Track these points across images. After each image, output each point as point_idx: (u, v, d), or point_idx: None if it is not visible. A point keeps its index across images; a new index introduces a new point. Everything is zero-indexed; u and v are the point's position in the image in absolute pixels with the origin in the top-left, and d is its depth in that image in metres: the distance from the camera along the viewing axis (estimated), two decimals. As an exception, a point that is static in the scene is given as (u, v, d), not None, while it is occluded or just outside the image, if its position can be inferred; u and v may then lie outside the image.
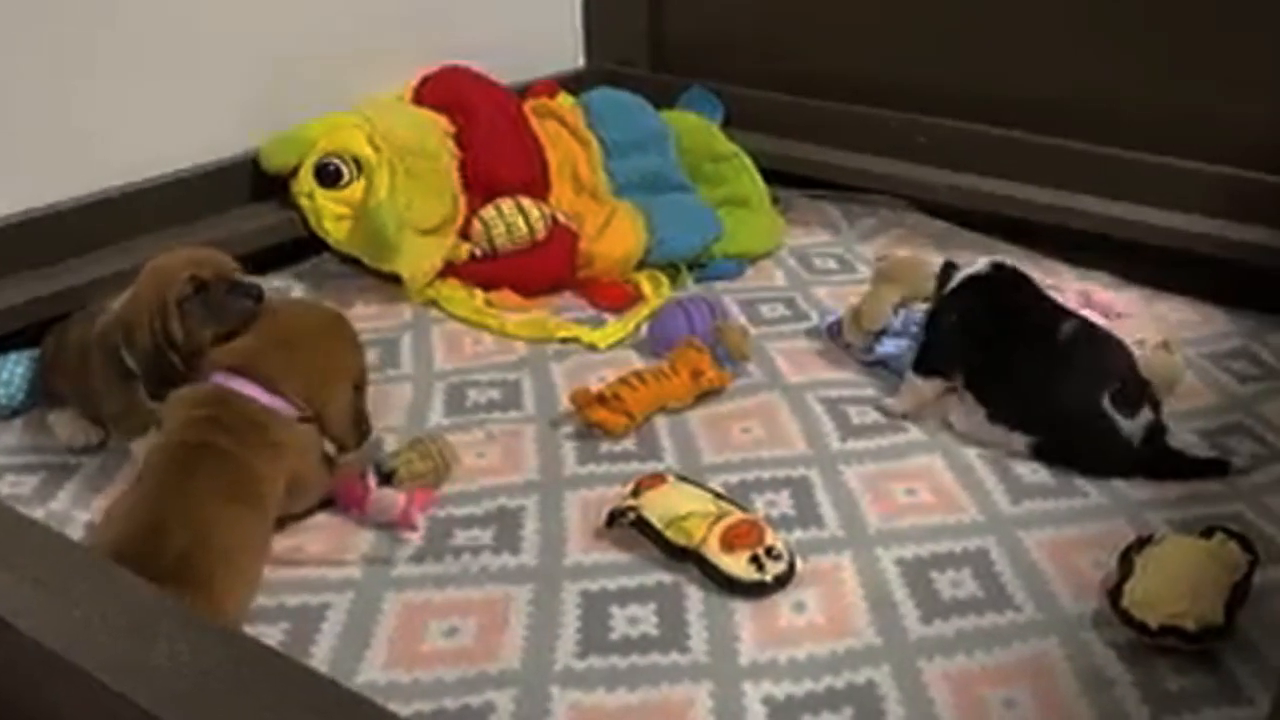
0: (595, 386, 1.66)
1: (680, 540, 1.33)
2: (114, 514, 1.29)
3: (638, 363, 1.82)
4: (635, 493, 1.41)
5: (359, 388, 1.46)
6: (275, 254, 2.06)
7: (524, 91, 2.43)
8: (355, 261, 2.07)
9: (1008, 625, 1.26)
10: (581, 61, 2.76)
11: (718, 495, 1.43)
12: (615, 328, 1.94)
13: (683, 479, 1.46)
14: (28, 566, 0.99)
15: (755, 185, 2.33)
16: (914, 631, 1.25)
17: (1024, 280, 1.67)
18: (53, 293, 1.72)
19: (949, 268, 1.71)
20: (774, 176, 2.39)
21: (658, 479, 1.44)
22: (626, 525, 1.38)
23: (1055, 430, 1.54)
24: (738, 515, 1.37)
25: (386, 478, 1.47)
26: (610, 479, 1.52)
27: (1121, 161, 2.14)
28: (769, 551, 1.31)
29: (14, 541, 1.04)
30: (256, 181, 2.08)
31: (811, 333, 1.93)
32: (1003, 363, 1.59)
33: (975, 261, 1.70)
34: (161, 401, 1.39)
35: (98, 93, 1.85)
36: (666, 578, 1.33)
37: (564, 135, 2.32)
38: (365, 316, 1.98)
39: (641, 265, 2.12)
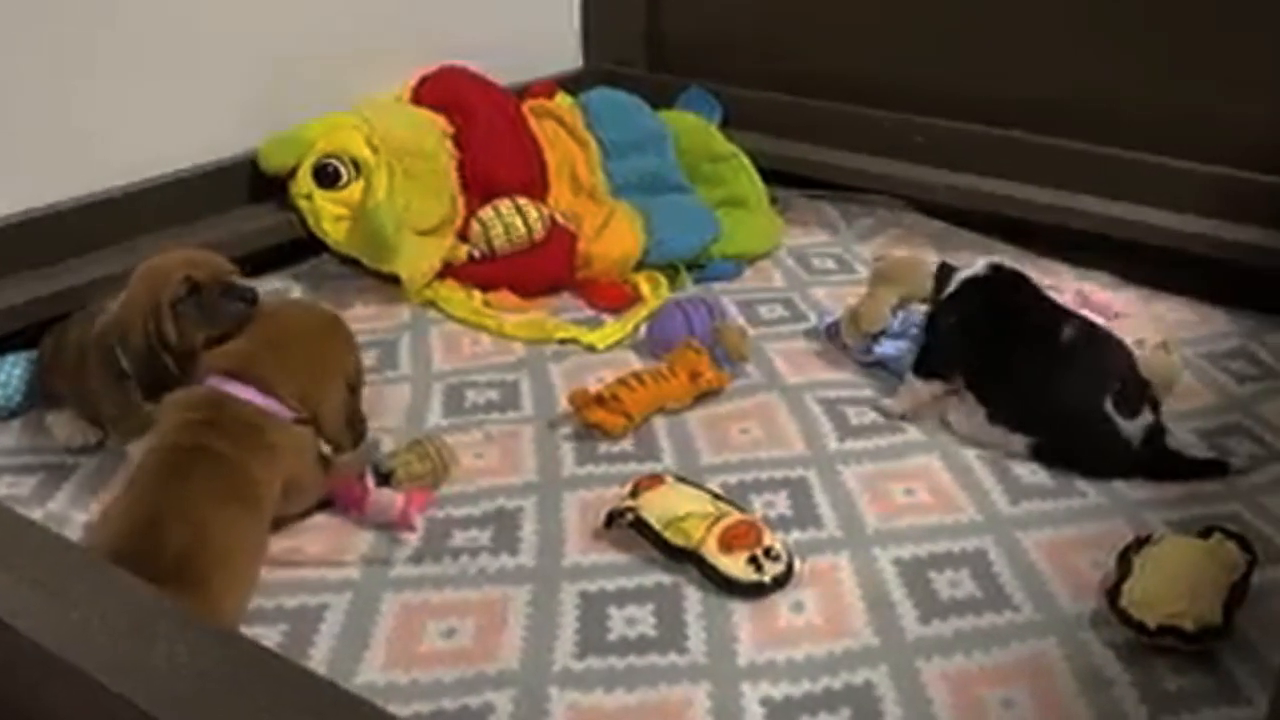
0: (594, 387, 1.66)
1: (679, 541, 1.33)
2: (110, 514, 1.29)
3: (636, 363, 1.82)
4: (634, 493, 1.41)
5: (354, 388, 1.46)
6: (274, 255, 2.06)
7: (522, 92, 2.43)
8: (354, 262, 2.07)
9: (1006, 625, 1.26)
10: (580, 62, 2.76)
11: (716, 496, 1.43)
12: (614, 328, 1.94)
13: (681, 480, 1.46)
14: (26, 567, 0.99)
15: (754, 186, 2.33)
16: (912, 632, 1.25)
17: (1023, 281, 1.67)
18: (53, 293, 1.72)
19: (945, 269, 1.71)
20: (772, 177, 2.39)
21: (656, 480, 1.44)
22: (625, 526, 1.38)
23: (1056, 431, 1.54)
24: (736, 516, 1.37)
25: (385, 479, 1.47)
26: (609, 480, 1.52)
27: (1120, 161, 2.14)
28: (767, 552, 1.32)
29: (12, 542, 1.04)
30: (256, 182, 2.08)
31: (810, 333, 1.94)
32: (1003, 364, 1.59)
33: (973, 262, 1.70)
34: (156, 403, 1.39)
35: (98, 93, 1.85)
36: (665, 578, 1.33)
37: (562, 136, 2.32)
38: (364, 317, 1.99)
39: (640, 266, 2.12)
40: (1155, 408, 1.57)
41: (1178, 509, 1.46)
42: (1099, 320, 1.70)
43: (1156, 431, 1.55)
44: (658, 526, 1.35)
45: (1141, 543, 1.32)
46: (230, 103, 2.04)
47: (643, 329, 1.92)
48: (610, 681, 1.18)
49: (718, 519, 1.34)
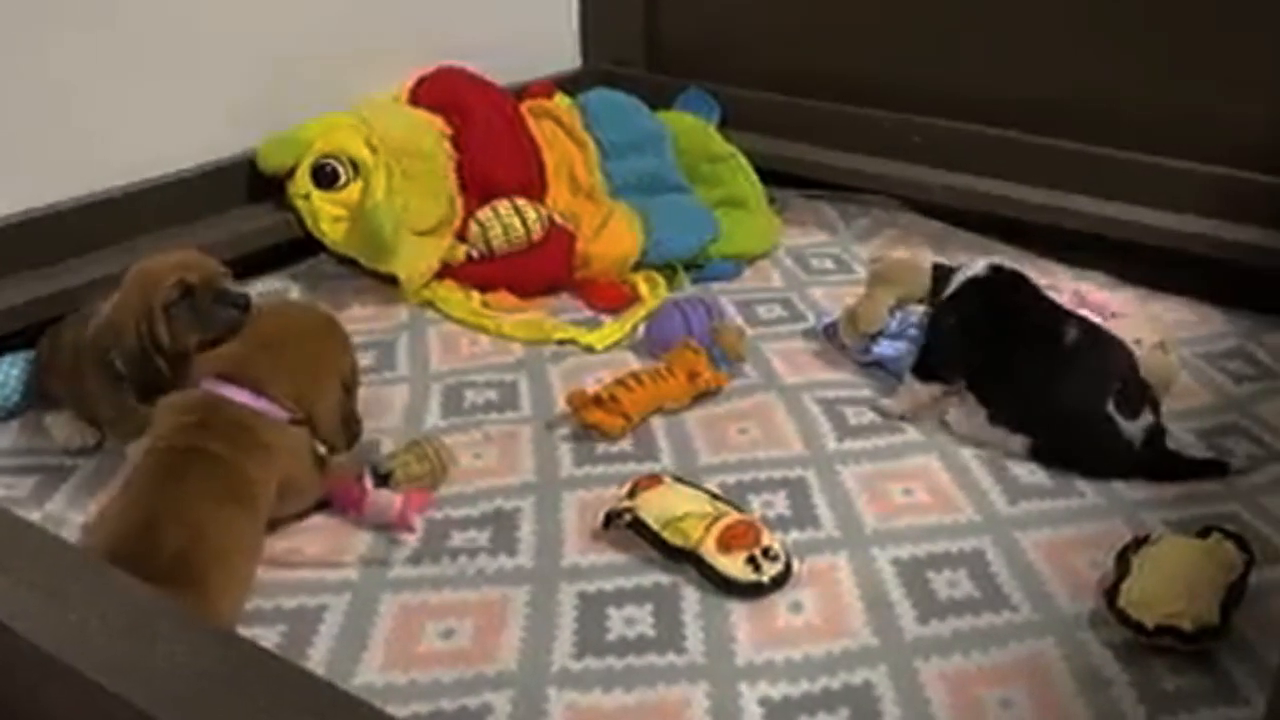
0: (592, 388, 1.66)
1: (677, 541, 1.33)
2: (106, 516, 1.29)
3: (634, 364, 1.82)
4: (632, 494, 1.41)
5: (349, 389, 1.46)
6: (272, 255, 2.06)
7: (520, 92, 2.43)
8: (352, 263, 2.07)
9: (1004, 625, 1.26)
10: (578, 62, 2.76)
11: (714, 496, 1.43)
12: (612, 329, 1.94)
13: (679, 480, 1.46)
14: (24, 569, 0.99)
15: (752, 186, 2.33)
16: (910, 632, 1.25)
17: (1023, 281, 1.67)
18: (52, 293, 1.72)
19: (941, 270, 1.71)
20: (770, 177, 2.39)
21: (654, 480, 1.44)
22: (623, 526, 1.38)
23: (1057, 432, 1.54)
24: (734, 516, 1.37)
25: (383, 479, 1.47)
26: (607, 480, 1.52)
27: (1116, 161, 2.14)
28: (766, 552, 1.32)
29: (10, 544, 1.04)
30: (254, 182, 2.08)
31: (808, 333, 1.94)
32: (1004, 364, 1.59)
33: (970, 263, 1.70)
34: (151, 405, 1.39)
35: (98, 93, 1.85)
36: (663, 579, 1.33)
37: (561, 136, 2.32)
38: (362, 318, 1.99)
39: (638, 266, 2.12)
40: (1155, 408, 1.57)
41: (1176, 509, 1.47)
42: (1097, 320, 1.70)
43: (1157, 432, 1.55)
44: (656, 527, 1.35)
45: (1140, 543, 1.32)
46: (229, 103, 2.04)
47: (641, 329, 1.92)
48: (609, 682, 1.18)
49: (716, 519, 1.35)
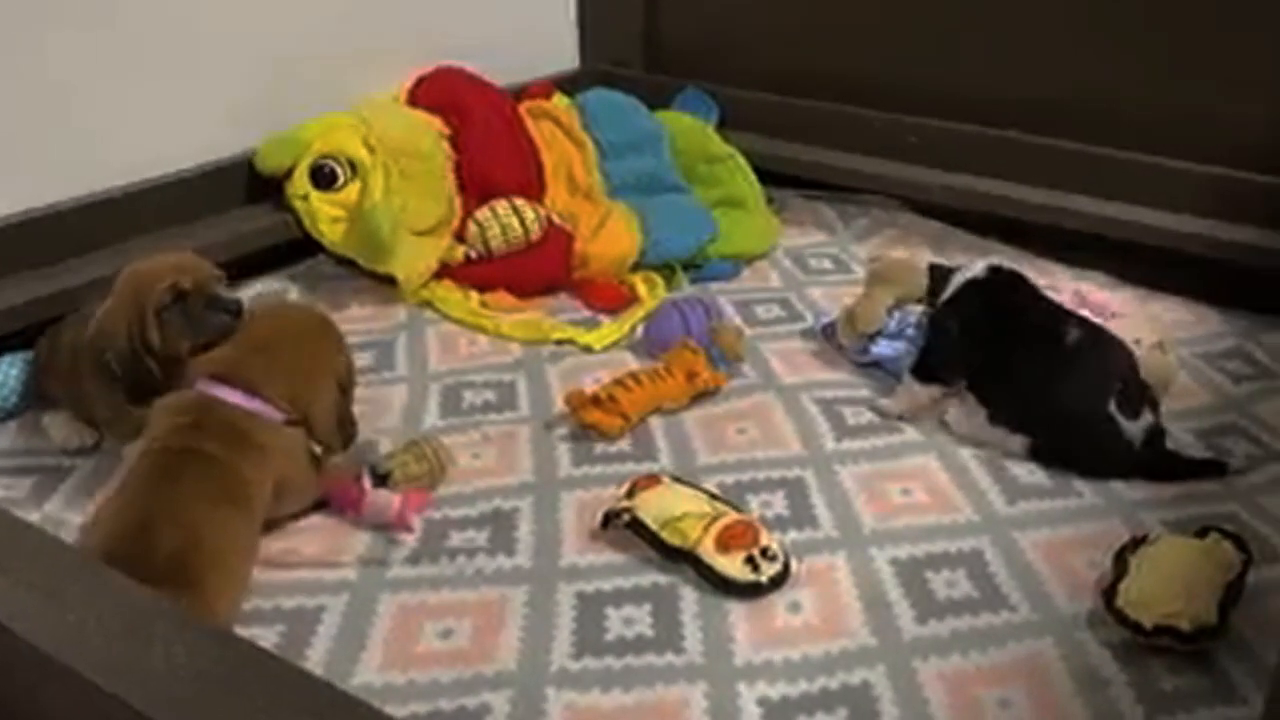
0: (590, 388, 1.66)
1: (675, 541, 1.33)
2: (101, 517, 1.28)
3: (633, 364, 1.82)
4: (630, 494, 1.41)
5: (344, 389, 1.46)
6: (270, 255, 2.06)
7: (519, 92, 2.43)
8: (350, 263, 2.07)
9: (1002, 625, 1.26)
10: (577, 62, 2.76)
11: (713, 496, 1.43)
12: (610, 329, 1.94)
13: (678, 480, 1.46)
14: (22, 570, 0.99)
15: (750, 186, 2.33)
16: (909, 632, 1.25)
17: (1022, 281, 1.67)
18: (52, 293, 1.73)
19: (938, 270, 1.71)
20: (768, 177, 2.39)
21: (653, 480, 1.44)
22: (622, 526, 1.38)
23: (1057, 432, 1.54)
24: (733, 516, 1.37)
25: (382, 479, 1.47)
26: (605, 480, 1.52)
27: (1115, 161, 2.14)
28: (764, 552, 1.32)
29: (9, 545, 1.04)
30: (253, 183, 2.08)
31: (806, 333, 1.94)
32: (1005, 365, 1.58)
33: (968, 264, 1.70)
34: (141, 407, 1.39)
35: (98, 93, 1.85)
36: (662, 579, 1.33)
37: (559, 136, 2.32)
38: (360, 318, 1.99)
39: (637, 266, 2.12)
40: (1155, 408, 1.57)
41: (1174, 509, 1.47)
42: (1097, 320, 1.70)
43: (1157, 432, 1.55)
44: (654, 527, 1.35)
45: (1138, 543, 1.32)
46: (229, 103, 2.04)
47: (639, 329, 1.92)
48: (607, 682, 1.18)
49: (714, 519, 1.35)
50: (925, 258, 1.88)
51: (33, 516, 1.42)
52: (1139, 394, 1.55)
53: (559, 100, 2.44)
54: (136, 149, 1.92)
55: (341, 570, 1.36)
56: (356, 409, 1.50)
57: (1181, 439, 1.61)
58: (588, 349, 1.89)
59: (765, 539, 1.34)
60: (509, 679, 1.19)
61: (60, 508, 1.47)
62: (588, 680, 1.18)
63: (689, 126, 2.40)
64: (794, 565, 1.34)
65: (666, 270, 2.14)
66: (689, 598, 1.30)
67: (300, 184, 2.04)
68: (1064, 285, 1.94)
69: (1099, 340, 1.59)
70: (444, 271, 2.07)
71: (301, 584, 1.33)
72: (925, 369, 1.65)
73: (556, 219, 2.17)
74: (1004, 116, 2.25)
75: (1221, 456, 1.56)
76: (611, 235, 2.12)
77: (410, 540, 1.41)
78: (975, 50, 2.29)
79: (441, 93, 2.25)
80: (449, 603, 1.31)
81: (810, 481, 1.52)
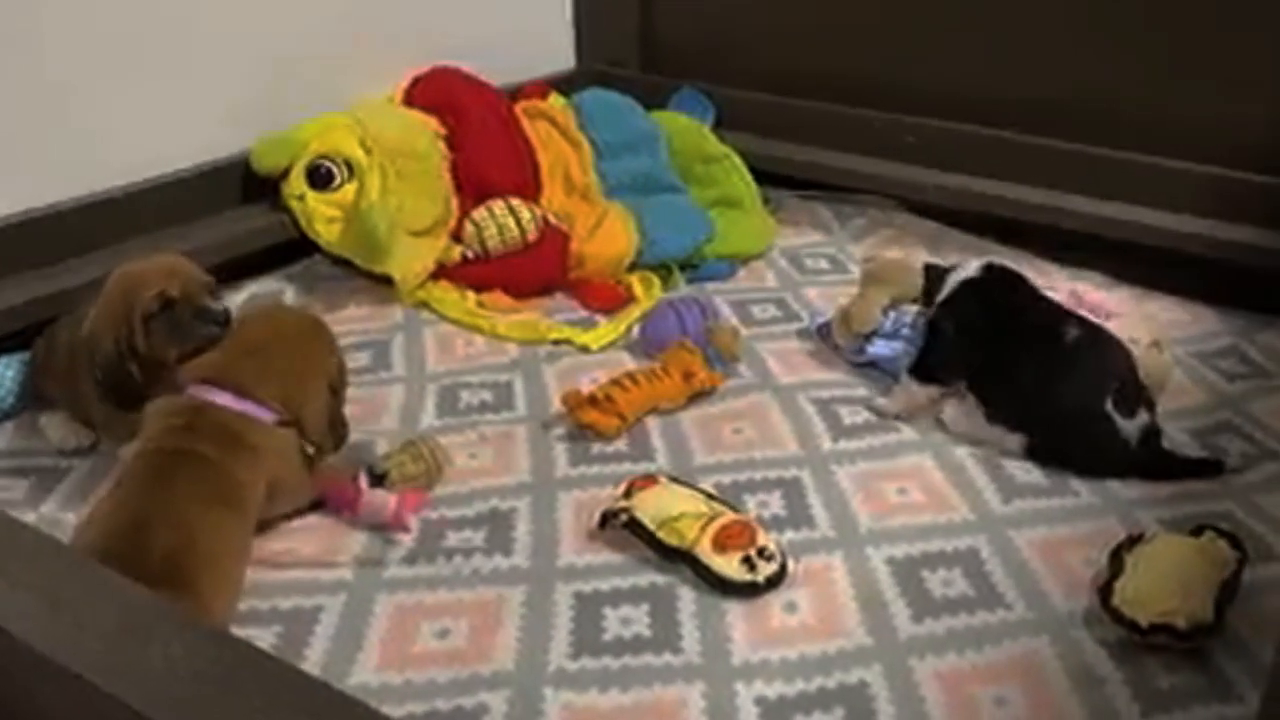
0: (587, 388, 1.67)
1: (673, 541, 1.33)
2: (95, 518, 1.28)
3: (629, 364, 1.82)
4: (627, 494, 1.41)
5: (335, 390, 1.46)
6: (268, 256, 2.06)
7: (515, 93, 2.43)
8: (347, 263, 2.07)
9: (998, 624, 1.26)
10: (572, 62, 2.76)
11: (710, 496, 1.43)
12: (607, 329, 1.94)
13: (675, 480, 1.46)
14: (19, 571, 0.98)
15: (746, 186, 2.33)
16: (905, 631, 1.26)
17: (1019, 280, 1.67)
18: (52, 293, 1.72)
19: (933, 270, 1.71)
20: (765, 177, 2.39)
21: (650, 480, 1.44)
22: (619, 526, 1.38)
23: (1055, 431, 1.55)
24: (730, 516, 1.37)
25: (378, 480, 1.47)
26: (602, 480, 1.52)
27: (1114, 161, 2.14)
28: (761, 552, 1.32)
29: (6, 546, 1.04)
30: (252, 183, 2.07)
31: (803, 333, 1.94)
32: (1003, 363, 1.58)
33: (963, 263, 1.70)
34: (123, 411, 1.40)
35: (97, 93, 1.85)
36: (659, 579, 1.33)
37: (555, 136, 2.32)
38: (357, 318, 1.99)
39: (633, 266, 2.12)
40: (1151, 408, 1.57)
41: (1170, 507, 1.47)
42: (1093, 319, 1.70)
43: (1153, 431, 1.56)
44: (652, 527, 1.35)
45: (1134, 541, 1.32)
46: (228, 103, 2.04)
47: (636, 329, 1.92)
48: (605, 682, 1.18)
49: (711, 519, 1.35)
50: (921, 258, 1.88)
51: (29, 517, 1.43)
52: (1136, 393, 1.56)
53: (555, 100, 2.44)
54: (136, 149, 1.92)
55: (338, 570, 1.36)
56: (352, 409, 1.50)
57: (1177, 438, 1.61)
58: (584, 349, 1.89)
59: (762, 539, 1.34)
60: (506, 679, 1.19)
61: (57, 508, 1.47)
62: (585, 680, 1.18)
63: (685, 126, 2.40)
64: (791, 565, 1.34)
65: (663, 270, 2.14)
66: (686, 598, 1.30)
67: (297, 184, 2.04)
68: (1060, 285, 1.94)
69: (1098, 339, 1.59)
70: (440, 272, 2.07)
71: (298, 584, 1.33)
72: (924, 369, 1.65)
73: (553, 219, 2.17)
74: (1001, 116, 2.25)
75: (1217, 455, 1.57)
76: (608, 235, 2.12)
77: (407, 540, 1.41)
78: (972, 50, 2.29)
79: (437, 93, 2.25)
80: (446, 603, 1.31)
81: (807, 481, 1.52)
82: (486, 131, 2.21)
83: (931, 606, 1.29)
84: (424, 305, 2.03)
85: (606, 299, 2.05)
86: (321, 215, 2.04)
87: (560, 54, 2.73)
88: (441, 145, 2.18)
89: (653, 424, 1.66)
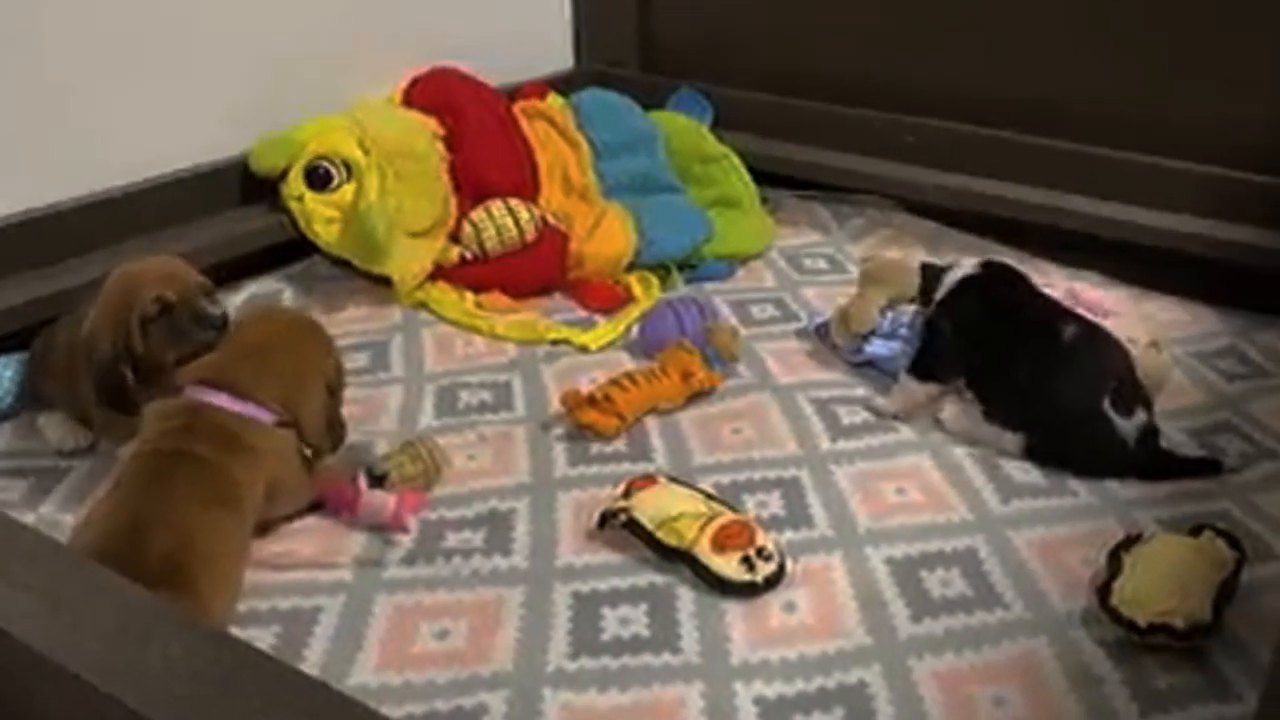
0: (586, 388, 1.67)
1: (671, 541, 1.33)
2: (92, 519, 1.28)
3: (628, 364, 1.82)
4: (626, 494, 1.41)
5: (333, 391, 1.46)
6: (267, 257, 2.06)
7: (513, 93, 2.43)
8: (345, 264, 2.07)
9: (997, 624, 1.26)
10: (571, 63, 2.76)
11: (709, 496, 1.43)
12: (606, 329, 1.94)
13: (674, 480, 1.46)
14: (18, 571, 0.99)
15: (745, 186, 2.33)
16: (904, 631, 1.26)
17: (1017, 276, 1.67)
18: (52, 293, 1.73)
19: (930, 269, 1.71)
20: (763, 177, 2.39)
21: (649, 480, 1.44)
22: (618, 526, 1.38)
23: (1053, 430, 1.55)
24: (729, 516, 1.37)
25: (377, 480, 1.47)
26: (601, 480, 1.52)
27: (1113, 161, 2.14)
28: (760, 552, 1.32)
29: (4, 546, 1.04)
30: (251, 184, 2.07)
31: (801, 333, 1.94)
32: (1002, 362, 1.59)
33: (960, 261, 1.70)
34: (114, 413, 1.40)
35: (97, 93, 1.85)
36: (658, 579, 1.33)
37: (553, 137, 2.32)
38: (355, 319, 1.99)
39: (632, 266, 2.13)
40: (1148, 407, 1.57)
41: (1168, 507, 1.47)
42: (1091, 317, 1.70)
43: (1150, 431, 1.56)
44: (650, 527, 1.35)
45: (1132, 541, 1.33)
46: (227, 103, 2.04)
47: (634, 329, 1.93)
48: (604, 682, 1.18)
49: (710, 519, 1.35)
50: (919, 258, 1.88)
51: (28, 518, 1.42)
52: (1133, 392, 1.56)
53: (553, 100, 2.44)
54: (135, 149, 1.92)
55: (337, 571, 1.36)
56: (351, 410, 1.50)
57: (1175, 438, 1.61)
58: (583, 349, 1.89)
59: (761, 539, 1.34)
60: (505, 679, 1.19)
61: (56, 509, 1.47)
62: (584, 680, 1.18)
63: (684, 126, 2.41)
64: (789, 565, 1.34)
65: (661, 270, 2.14)
66: (685, 598, 1.30)
67: (295, 185, 2.04)
68: (1059, 284, 1.94)
69: (1095, 338, 1.59)
70: (439, 272, 2.07)
71: (298, 585, 1.33)
72: (922, 368, 1.65)
73: (551, 219, 2.17)
74: (1000, 116, 2.25)
75: (1215, 455, 1.57)
76: (606, 235, 2.12)
77: (406, 541, 1.41)
78: (972, 50, 2.29)
79: (436, 93, 2.25)
80: (445, 603, 1.31)
81: (805, 481, 1.52)
82: (485, 132, 2.21)
83: (930, 606, 1.29)
84: (422, 306, 2.03)
85: (605, 299, 2.05)
86: (320, 216, 2.04)
87: (559, 54, 2.73)
88: (440, 146, 2.18)
89: (652, 424, 1.66)
